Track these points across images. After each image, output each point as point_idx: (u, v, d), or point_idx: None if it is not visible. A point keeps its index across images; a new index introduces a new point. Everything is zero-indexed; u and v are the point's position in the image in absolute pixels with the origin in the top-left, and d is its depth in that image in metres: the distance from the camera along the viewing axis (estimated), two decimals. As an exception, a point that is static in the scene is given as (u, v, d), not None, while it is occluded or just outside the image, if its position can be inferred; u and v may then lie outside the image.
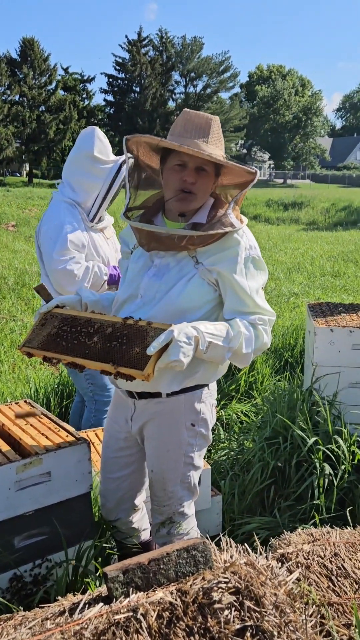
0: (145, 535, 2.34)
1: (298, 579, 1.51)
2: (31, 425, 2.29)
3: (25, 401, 2.55)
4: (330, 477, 2.84)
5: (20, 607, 1.63)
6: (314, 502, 2.79)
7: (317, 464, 2.85)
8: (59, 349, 1.95)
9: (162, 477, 2.08)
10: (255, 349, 1.92)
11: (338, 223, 23.72)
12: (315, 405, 3.14)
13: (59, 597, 1.41)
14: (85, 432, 3.07)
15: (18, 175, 46.39)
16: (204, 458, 2.52)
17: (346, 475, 2.88)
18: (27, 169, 42.69)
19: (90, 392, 3.27)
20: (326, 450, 2.91)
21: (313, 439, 2.91)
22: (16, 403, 2.53)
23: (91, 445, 2.25)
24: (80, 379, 3.26)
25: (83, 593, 1.40)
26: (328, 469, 2.84)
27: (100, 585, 2.15)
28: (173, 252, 1.94)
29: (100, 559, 2.27)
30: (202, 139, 1.85)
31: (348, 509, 2.78)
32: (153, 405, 2.02)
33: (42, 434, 2.20)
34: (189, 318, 1.89)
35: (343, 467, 2.88)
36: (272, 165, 60.94)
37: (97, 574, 2.20)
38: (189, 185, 1.88)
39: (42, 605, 1.41)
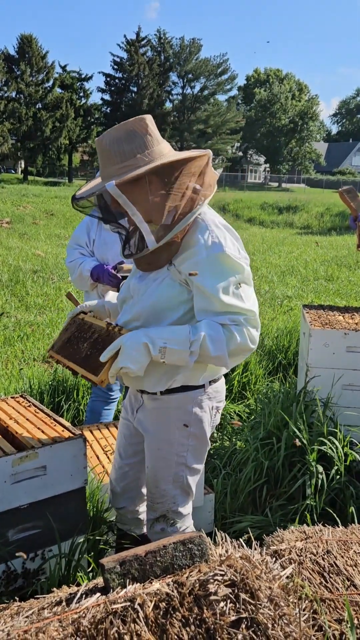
0: (146, 529, 2.36)
1: (291, 574, 1.52)
2: (27, 419, 2.30)
3: (21, 395, 2.55)
4: (323, 478, 2.86)
5: (16, 598, 1.64)
6: (306, 502, 2.81)
7: (312, 465, 2.87)
8: (66, 353, 2.09)
9: (155, 474, 2.10)
10: (231, 350, 1.84)
11: (332, 228, 23.80)
12: (309, 406, 3.17)
13: (54, 589, 1.43)
14: (81, 428, 3.08)
15: (13, 172, 46.31)
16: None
17: (338, 476, 2.91)
18: (22, 166, 42.61)
19: None
20: (322, 450, 2.93)
21: (316, 440, 2.93)
22: (12, 397, 2.54)
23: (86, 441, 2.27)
24: None
25: (77, 586, 1.42)
26: (321, 470, 2.86)
27: (92, 580, 2.17)
28: None
29: (93, 553, 2.29)
30: (102, 169, 1.87)
31: (339, 509, 2.81)
32: (152, 401, 2.06)
33: (38, 428, 2.21)
34: (166, 319, 1.92)
35: (336, 468, 2.91)
36: (267, 169, 61.12)
37: (90, 569, 2.21)
38: (117, 209, 1.90)
39: (37, 597, 1.42)
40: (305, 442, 2.95)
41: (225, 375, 4.58)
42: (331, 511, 2.79)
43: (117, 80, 46.81)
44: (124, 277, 3.01)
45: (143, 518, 2.34)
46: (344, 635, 1.42)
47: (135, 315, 1.98)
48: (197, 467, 2.12)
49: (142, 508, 2.33)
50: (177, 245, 1.86)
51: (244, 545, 1.49)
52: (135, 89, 46.35)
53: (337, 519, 2.72)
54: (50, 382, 4.34)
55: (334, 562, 1.69)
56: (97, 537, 2.32)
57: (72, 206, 1.97)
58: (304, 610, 1.36)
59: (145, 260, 1.94)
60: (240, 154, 59.57)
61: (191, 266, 1.85)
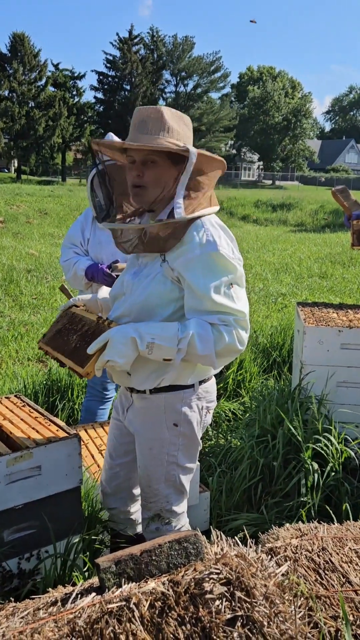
0: (141, 528, 2.36)
1: (287, 572, 1.53)
2: (21, 419, 2.29)
3: (15, 395, 2.55)
4: (318, 475, 2.87)
5: (11, 599, 1.63)
6: (302, 499, 2.82)
7: (308, 462, 2.88)
8: (54, 345, 2.08)
9: (147, 474, 2.10)
10: (218, 350, 1.84)
11: (326, 225, 23.85)
12: (304, 403, 3.17)
13: (49, 589, 1.42)
14: (76, 428, 3.08)
15: (6, 171, 46.15)
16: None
17: (333, 473, 2.92)
18: (16, 165, 42.48)
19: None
20: (316, 448, 2.94)
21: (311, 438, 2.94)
22: (6, 397, 2.53)
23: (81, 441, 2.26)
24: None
25: (73, 585, 1.41)
26: (317, 467, 2.87)
27: (88, 579, 2.17)
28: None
29: (88, 553, 2.28)
30: (143, 132, 1.84)
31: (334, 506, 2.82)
32: (141, 400, 2.05)
33: (33, 428, 2.20)
34: (156, 316, 1.91)
35: (330, 465, 2.91)
36: (261, 167, 61.15)
37: (86, 568, 2.21)
38: (136, 178, 1.88)
39: (32, 597, 1.42)
40: (300, 439, 2.96)
41: (220, 373, 4.60)
42: (327, 508, 2.80)
43: (110, 79, 46.66)
44: (118, 276, 3.02)
45: (135, 518, 2.34)
46: (339, 632, 1.42)
47: (126, 311, 1.98)
48: (189, 465, 2.11)
49: (134, 508, 2.33)
50: (180, 236, 1.85)
51: (240, 543, 1.49)
52: (128, 87, 46.23)
53: (332, 515, 2.73)
54: (44, 382, 4.34)
55: (329, 559, 1.70)
56: (93, 537, 2.31)
57: (93, 147, 1.97)
58: (299, 607, 1.37)
59: (153, 239, 1.90)
60: (234, 151, 59.52)
61: (184, 263, 1.84)
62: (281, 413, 3.10)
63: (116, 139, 3.20)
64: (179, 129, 1.86)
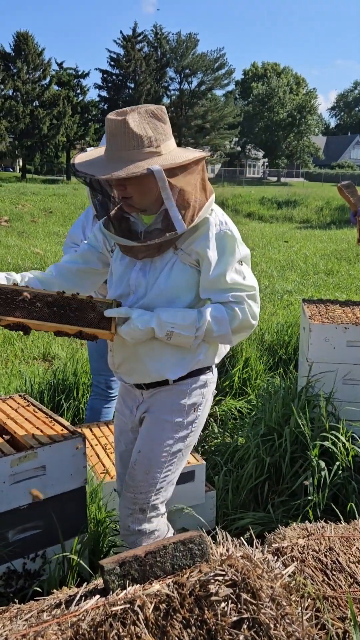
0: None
1: (293, 573, 1.51)
2: (26, 419, 2.28)
3: (20, 395, 2.54)
4: (325, 473, 2.85)
5: (15, 600, 1.62)
6: (308, 498, 2.79)
7: (314, 460, 2.85)
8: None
9: (149, 457, 2.03)
10: (235, 327, 1.93)
11: (332, 222, 23.75)
12: (310, 401, 3.15)
13: (54, 590, 1.41)
14: (81, 427, 3.07)
15: (11, 170, 46.25)
16: (197, 452, 2.47)
17: (340, 472, 2.89)
18: (20, 164, 42.53)
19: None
20: (325, 445, 2.92)
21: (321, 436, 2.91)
22: (10, 397, 2.52)
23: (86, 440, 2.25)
24: (100, 366, 3.38)
25: (78, 586, 1.40)
26: (323, 465, 2.85)
27: (93, 579, 2.15)
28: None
29: (95, 553, 2.27)
30: (114, 148, 1.79)
31: (341, 505, 2.79)
32: (159, 392, 2.05)
33: (37, 428, 2.19)
34: (179, 303, 1.95)
35: (338, 463, 2.89)
36: (266, 163, 60.99)
37: (91, 569, 2.19)
38: (121, 192, 1.88)
39: (37, 598, 1.41)
40: (307, 437, 2.93)
41: (226, 371, 4.58)
42: (334, 507, 2.78)
43: (114, 77, 46.61)
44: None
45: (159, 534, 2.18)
46: (347, 634, 1.40)
47: (146, 305, 1.95)
48: (187, 458, 2.14)
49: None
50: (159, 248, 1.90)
51: (245, 543, 1.47)
52: (132, 85, 46.16)
53: (339, 515, 2.71)
54: (50, 381, 4.33)
55: (337, 559, 1.68)
56: (98, 537, 2.30)
57: (74, 174, 1.88)
58: (306, 609, 1.35)
59: (154, 246, 1.90)
60: (239, 148, 59.33)
61: (203, 243, 1.89)
62: (292, 410, 3.07)
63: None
64: (149, 134, 1.79)
